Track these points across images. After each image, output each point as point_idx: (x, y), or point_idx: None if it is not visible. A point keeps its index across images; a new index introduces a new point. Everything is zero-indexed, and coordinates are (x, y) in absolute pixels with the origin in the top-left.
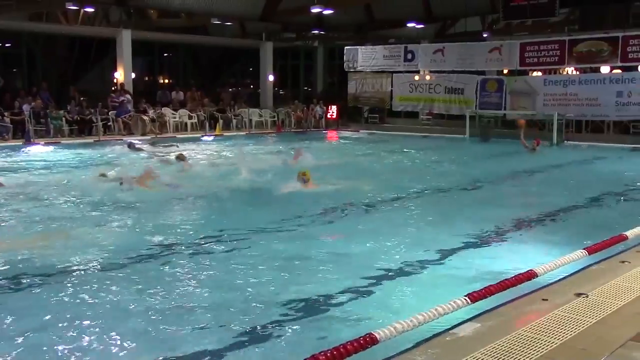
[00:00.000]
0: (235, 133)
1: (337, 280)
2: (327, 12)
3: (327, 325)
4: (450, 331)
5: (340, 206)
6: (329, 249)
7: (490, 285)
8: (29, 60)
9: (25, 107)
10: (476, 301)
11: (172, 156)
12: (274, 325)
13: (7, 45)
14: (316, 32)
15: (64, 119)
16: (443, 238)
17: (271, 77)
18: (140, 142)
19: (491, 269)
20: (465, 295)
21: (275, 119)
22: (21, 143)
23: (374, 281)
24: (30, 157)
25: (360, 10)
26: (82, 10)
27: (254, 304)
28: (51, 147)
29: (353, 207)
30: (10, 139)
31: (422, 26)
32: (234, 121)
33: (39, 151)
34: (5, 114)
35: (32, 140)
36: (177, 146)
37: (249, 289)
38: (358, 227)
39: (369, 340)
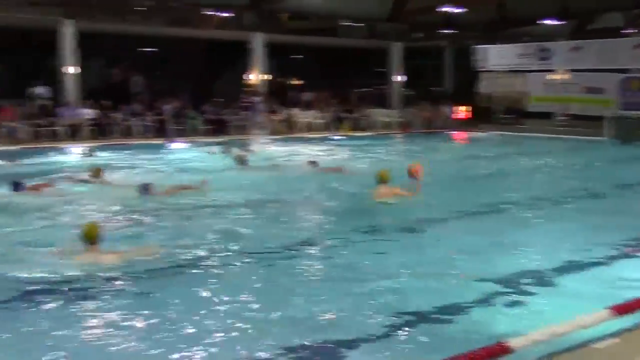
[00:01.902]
0: (363, 134)
1: (469, 283)
2: (456, 10)
3: (456, 332)
4: (589, 345)
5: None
6: (461, 251)
7: (638, 299)
8: (168, 62)
9: (166, 108)
10: (621, 314)
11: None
12: (392, 332)
13: (148, 49)
14: (445, 31)
15: (200, 118)
16: (585, 246)
17: (399, 78)
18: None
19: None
20: (609, 307)
21: (403, 119)
22: (162, 142)
23: (509, 288)
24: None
25: (491, 8)
26: (217, 16)
27: (372, 311)
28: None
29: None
30: (152, 137)
31: (557, 23)
32: (362, 122)
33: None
34: (148, 114)
35: (172, 138)
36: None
37: (369, 294)
38: (490, 232)
39: (500, 349)
